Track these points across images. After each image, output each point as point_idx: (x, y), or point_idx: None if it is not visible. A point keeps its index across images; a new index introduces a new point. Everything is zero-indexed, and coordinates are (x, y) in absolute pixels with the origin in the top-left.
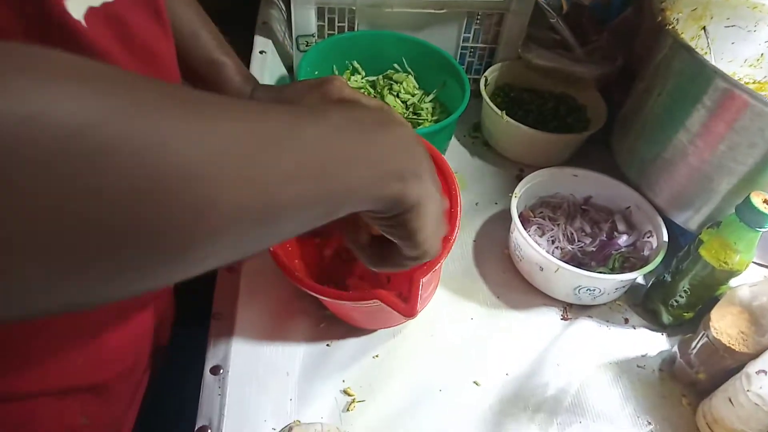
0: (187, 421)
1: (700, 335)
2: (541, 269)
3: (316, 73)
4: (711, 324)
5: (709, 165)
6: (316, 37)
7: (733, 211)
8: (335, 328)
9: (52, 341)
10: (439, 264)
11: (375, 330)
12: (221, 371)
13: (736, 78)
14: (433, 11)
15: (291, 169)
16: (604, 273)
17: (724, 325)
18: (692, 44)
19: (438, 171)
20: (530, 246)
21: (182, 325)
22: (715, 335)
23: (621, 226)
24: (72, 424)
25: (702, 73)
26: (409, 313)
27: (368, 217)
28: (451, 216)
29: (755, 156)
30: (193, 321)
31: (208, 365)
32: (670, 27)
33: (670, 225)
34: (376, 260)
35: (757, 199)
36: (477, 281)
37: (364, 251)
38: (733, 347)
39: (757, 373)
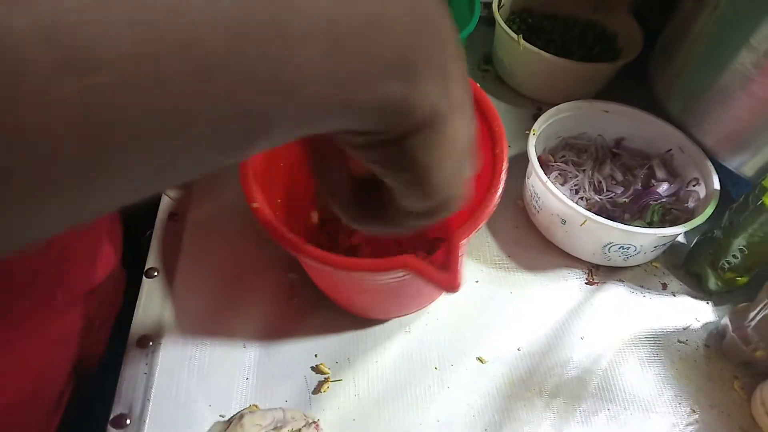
0: (105, 404)
1: (762, 304)
2: (564, 222)
3: None
4: None
5: None
6: None
7: None
8: (308, 290)
9: None
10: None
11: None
12: (150, 343)
13: None
14: None
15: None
16: (641, 227)
17: None
18: None
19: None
20: (551, 193)
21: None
22: None
23: (660, 173)
24: None
25: None
26: (451, 284)
27: (345, 142)
28: (495, 160)
29: None
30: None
31: (135, 335)
32: None
33: (720, 171)
34: (360, 215)
35: None
36: (484, 237)
37: (341, 201)
38: None
39: None
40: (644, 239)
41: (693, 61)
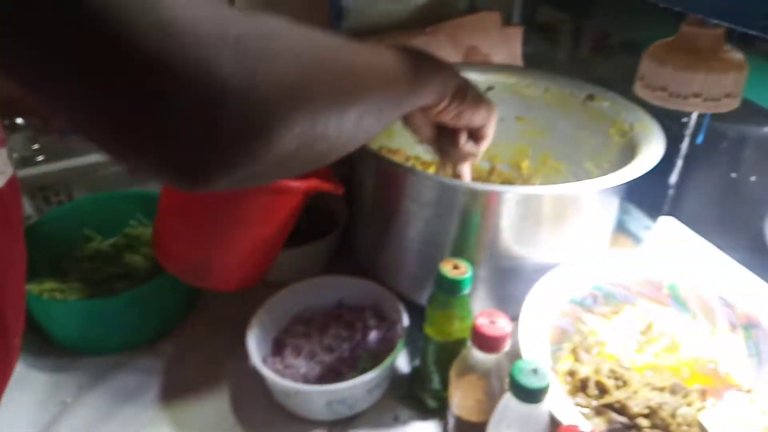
0: None
1: (447, 414)
2: (287, 395)
3: None
4: (451, 400)
5: (422, 244)
6: None
7: None
8: None
9: None
10: None
11: None
12: None
13: (413, 156)
14: None
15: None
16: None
17: (460, 398)
18: None
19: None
20: (267, 377)
21: None
22: (455, 411)
23: (372, 321)
24: None
25: (371, 164)
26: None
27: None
28: None
29: (453, 224)
30: None
31: None
32: None
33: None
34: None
35: (446, 267)
36: (234, 428)
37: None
38: (471, 419)
39: None
40: (352, 391)
41: (371, 230)
